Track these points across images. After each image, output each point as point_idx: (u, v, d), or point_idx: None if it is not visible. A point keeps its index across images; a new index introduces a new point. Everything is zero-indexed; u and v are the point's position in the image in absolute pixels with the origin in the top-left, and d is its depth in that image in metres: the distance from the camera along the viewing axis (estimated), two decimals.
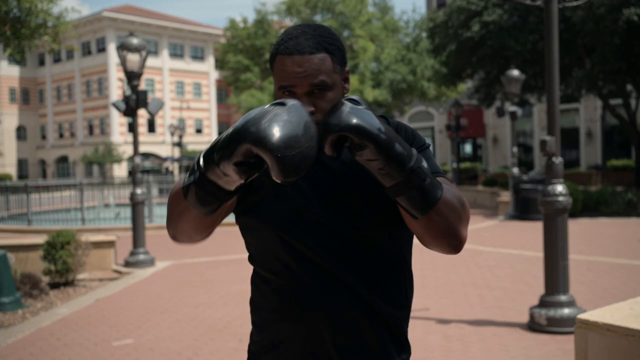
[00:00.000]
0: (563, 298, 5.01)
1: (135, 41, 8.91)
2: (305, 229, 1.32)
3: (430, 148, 1.41)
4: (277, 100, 1.16)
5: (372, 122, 1.14)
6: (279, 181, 1.10)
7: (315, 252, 1.32)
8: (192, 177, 1.18)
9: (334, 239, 1.32)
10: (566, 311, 4.94)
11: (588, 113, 28.78)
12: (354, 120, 1.12)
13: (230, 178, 1.13)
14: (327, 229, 1.32)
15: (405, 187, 1.17)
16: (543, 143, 4.96)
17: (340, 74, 1.34)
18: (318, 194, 1.34)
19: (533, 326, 5.08)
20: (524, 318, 5.39)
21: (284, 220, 1.33)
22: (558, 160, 5.05)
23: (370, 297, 1.34)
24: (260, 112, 1.10)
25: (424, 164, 1.19)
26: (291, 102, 1.15)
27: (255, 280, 1.44)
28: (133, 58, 8.90)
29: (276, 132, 1.06)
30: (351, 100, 1.19)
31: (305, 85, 1.28)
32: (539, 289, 6.27)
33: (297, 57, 1.29)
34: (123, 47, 8.89)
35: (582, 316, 2.83)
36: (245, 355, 4.99)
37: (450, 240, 1.26)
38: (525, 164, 28.88)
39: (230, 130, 1.11)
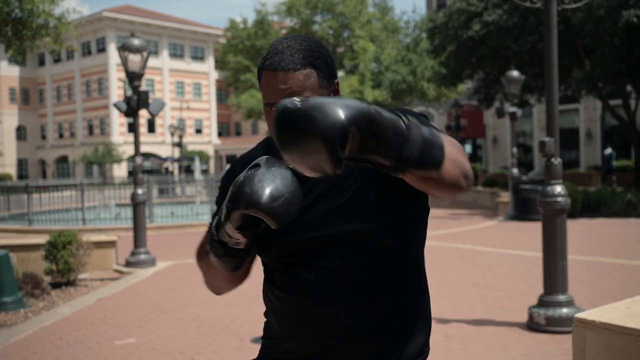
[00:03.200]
0: (562, 298, 5.05)
1: (136, 42, 8.94)
2: (309, 247, 1.35)
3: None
4: (252, 164, 1.22)
5: (354, 103, 1.02)
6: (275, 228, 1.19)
7: (319, 265, 1.35)
8: (211, 243, 1.30)
9: (339, 251, 1.34)
10: (565, 311, 4.98)
11: (588, 113, 28.83)
12: (346, 114, 0.98)
13: (239, 240, 1.24)
14: (332, 244, 1.34)
15: (410, 148, 1.05)
16: (542, 144, 5.00)
17: (327, 88, 1.32)
18: (319, 209, 1.34)
19: (532, 326, 5.11)
20: (524, 318, 5.42)
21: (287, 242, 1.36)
22: (557, 161, 5.09)
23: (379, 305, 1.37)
24: (244, 179, 1.18)
25: (410, 117, 1.08)
26: (264, 159, 1.21)
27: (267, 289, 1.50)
28: (134, 59, 8.93)
29: (260, 192, 1.15)
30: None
31: None
32: (539, 288, 6.30)
33: (281, 74, 1.27)
34: (124, 48, 8.93)
35: (579, 315, 2.86)
36: (247, 354, 5.02)
37: (464, 181, 1.19)
38: (525, 165, 28.92)
39: (226, 200, 1.22)
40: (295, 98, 1.00)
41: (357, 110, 0.97)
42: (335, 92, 1.35)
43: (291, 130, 0.96)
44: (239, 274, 1.40)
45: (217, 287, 1.47)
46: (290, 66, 1.27)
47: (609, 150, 21.52)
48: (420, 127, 1.07)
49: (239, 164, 1.48)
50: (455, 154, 1.16)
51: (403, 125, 1.04)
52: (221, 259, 1.29)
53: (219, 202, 1.42)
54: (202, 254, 1.43)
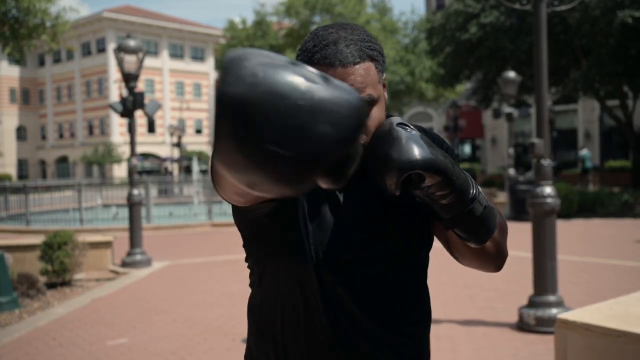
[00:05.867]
0: (551, 298, 5.08)
1: (132, 43, 8.97)
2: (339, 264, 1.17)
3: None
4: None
5: (435, 152, 1.02)
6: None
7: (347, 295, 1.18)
8: None
9: (367, 278, 1.19)
10: (554, 311, 5.01)
11: (586, 114, 28.83)
12: (423, 155, 1.00)
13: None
14: (362, 266, 1.18)
15: (466, 217, 1.07)
16: (532, 145, 5.03)
17: (382, 84, 1.16)
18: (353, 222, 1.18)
19: (522, 326, 5.14)
20: (515, 318, 5.44)
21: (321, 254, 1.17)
22: (547, 162, 5.11)
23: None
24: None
25: (480, 189, 1.10)
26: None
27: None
28: (130, 59, 8.96)
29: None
30: (400, 125, 1.05)
31: None
32: (531, 289, 6.33)
33: (340, 69, 1.08)
34: (120, 49, 8.96)
35: (562, 316, 2.89)
36: (238, 354, 5.05)
37: (498, 261, 1.20)
38: (524, 165, 28.91)
39: None
40: (404, 122, 1.05)
41: (434, 159, 1.01)
42: (384, 87, 1.20)
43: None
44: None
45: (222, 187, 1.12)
46: (349, 59, 1.09)
47: (584, 152, 21.65)
48: (484, 196, 1.11)
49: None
50: (499, 236, 1.17)
51: (472, 188, 1.08)
52: None
53: None
54: None
